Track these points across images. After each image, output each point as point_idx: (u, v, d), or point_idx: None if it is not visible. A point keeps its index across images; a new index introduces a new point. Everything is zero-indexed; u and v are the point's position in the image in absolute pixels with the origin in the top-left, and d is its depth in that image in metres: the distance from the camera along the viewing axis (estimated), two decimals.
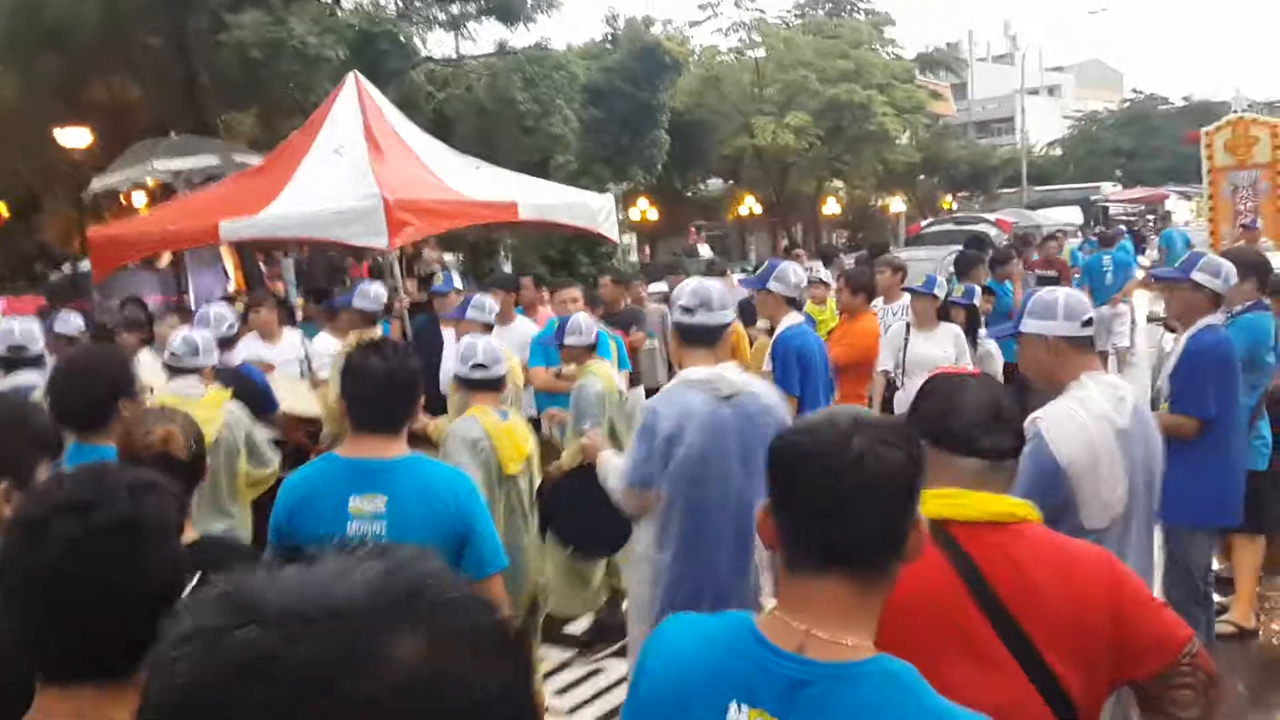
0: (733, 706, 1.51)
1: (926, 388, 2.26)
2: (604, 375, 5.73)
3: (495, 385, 4.72)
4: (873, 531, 1.54)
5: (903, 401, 3.57)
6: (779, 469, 1.61)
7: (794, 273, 5.69)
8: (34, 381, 5.00)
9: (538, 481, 4.76)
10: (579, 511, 4.18)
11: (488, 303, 6.67)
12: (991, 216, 20.50)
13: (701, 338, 3.73)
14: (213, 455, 4.53)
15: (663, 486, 3.57)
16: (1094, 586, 1.99)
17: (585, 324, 5.83)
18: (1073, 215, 28.51)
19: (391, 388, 3.18)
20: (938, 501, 2.00)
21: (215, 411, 4.68)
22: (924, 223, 21.34)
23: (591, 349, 5.80)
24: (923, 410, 2.21)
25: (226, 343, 6.09)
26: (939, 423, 2.13)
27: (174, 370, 5.00)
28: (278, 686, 0.67)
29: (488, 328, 6.47)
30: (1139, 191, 39.99)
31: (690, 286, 3.79)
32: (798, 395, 5.28)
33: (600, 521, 3.98)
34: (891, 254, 11.02)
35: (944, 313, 7.25)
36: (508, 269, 19.76)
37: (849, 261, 12.73)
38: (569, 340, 5.78)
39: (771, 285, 5.60)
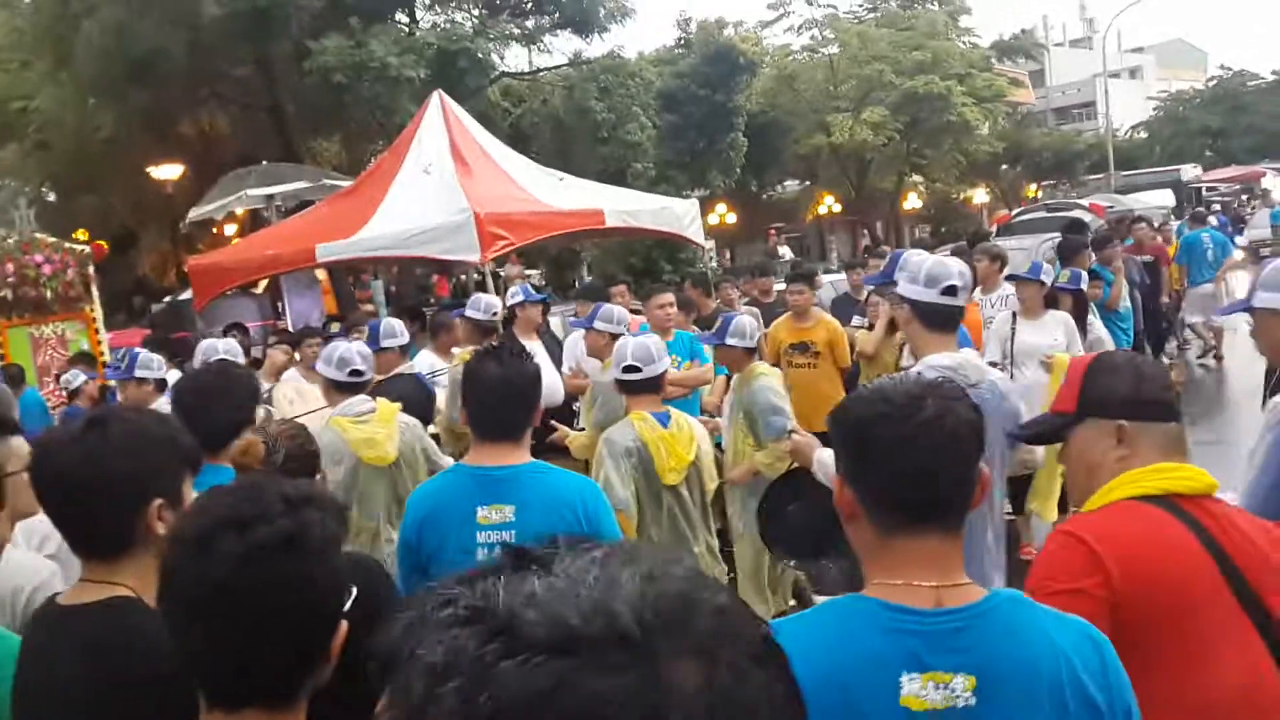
0: (904, 678, 1.53)
1: (1099, 365, 2.17)
2: (774, 374, 5.58)
3: (652, 387, 4.38)
4: (959, 484, 1.64)
5: (1014, 391, 3.45)
6: (858, 438, 1.68)
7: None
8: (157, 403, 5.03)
9: (714, 485, 4.55)
10: (800, 520, 3.86)
11: (616, 313, 6.41)
12: (1084, 202, 19.97)
13: (947, 321, 3.39)
14: (395, 471, 4.49)
15: None
16: None
17: (750, 327, 5.56)
18: (1164, 198, 27.67)
19: (510, 394, 3.13)
20: (1160, 477, 1.98)
21: (391, 426, 4.53)
22: (1014, 212, 20.86)
23: (751, 353, 5.59)
24: (1108, 385, 2.11)
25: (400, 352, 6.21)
26: (1136, 393, 2.07)
27: (341, 387, 4.72)
28: None
29: (614, 339, 6.29)
30: (1232, 170, 38.65)
31: (934, 267, 3.40)
32: None
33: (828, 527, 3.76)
34: (990, 243, 10.76)
35: (1050, 299, 7.03)
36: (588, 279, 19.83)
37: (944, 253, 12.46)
38: (732, 341, 5.54)
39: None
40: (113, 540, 1.90)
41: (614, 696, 0.59)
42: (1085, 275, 7.59)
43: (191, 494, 2.05)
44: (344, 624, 1.48)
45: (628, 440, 4.26)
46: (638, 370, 4.33)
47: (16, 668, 1.88)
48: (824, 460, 3.33)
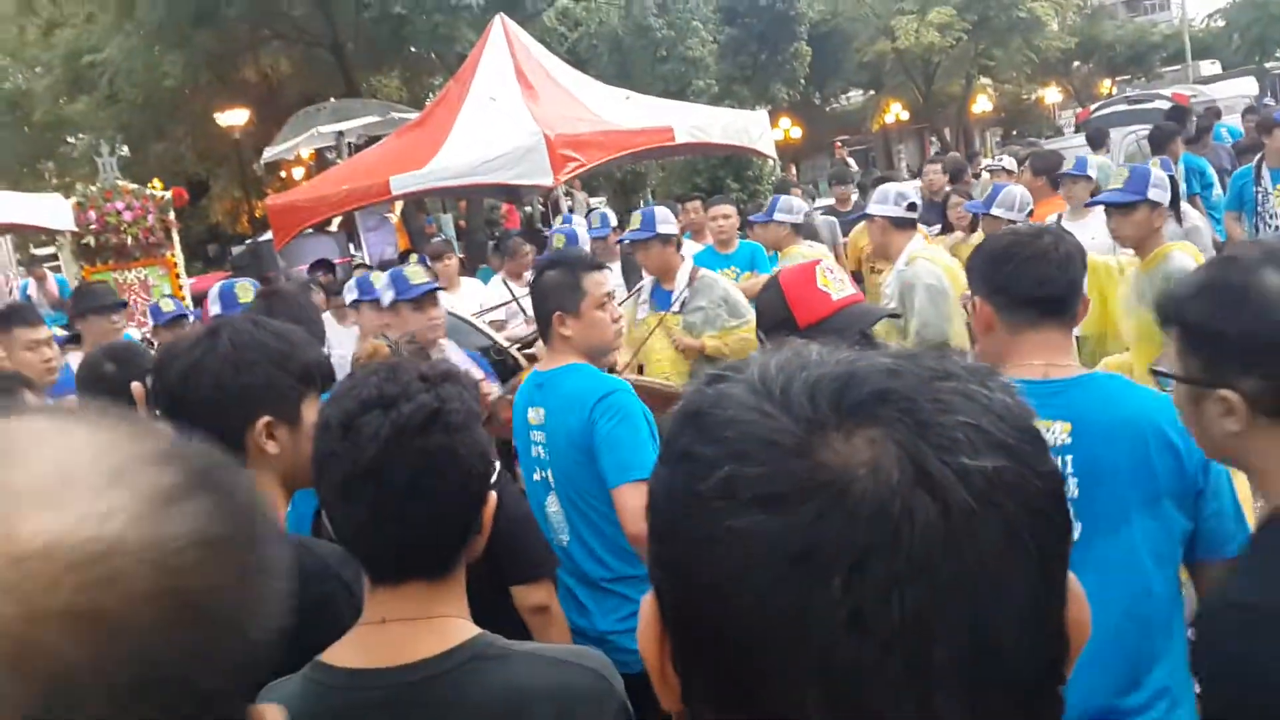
0: None
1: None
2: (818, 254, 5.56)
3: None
4: (1074, 287, 2.19)
5: None
6: (1001, 259, 2.20)
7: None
8: None
9: None
10: None
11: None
12: (1166, 92, 19.23)
13: None
14: None
15: None
16: None
17: (798, 204, 5.75)
18: (1247, 86, 26.51)
19: (539, 300, 3.05)
20: None
21: None
22: (1093, 107, 20.18)
23: (798, 230, 5.83)
24: None
25: None
26: None
27: None
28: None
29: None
30: None
31: (1024, 197, 3.67)
32: None
33: None
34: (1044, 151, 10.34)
35: None
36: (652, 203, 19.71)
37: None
38: (780, 217, 5.83)
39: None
40: None
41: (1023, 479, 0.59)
42: (1173, 164, 7.27)
43: (314, 412, 2.02)
44: (493, 495, 1.52)
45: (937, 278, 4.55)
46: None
47: None
48: None
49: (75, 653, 0.51)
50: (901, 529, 0.54)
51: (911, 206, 5.09)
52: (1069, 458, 2.03)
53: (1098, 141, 10.41)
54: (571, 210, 13.57)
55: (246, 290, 3.95)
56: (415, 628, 1.44)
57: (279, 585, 0.62)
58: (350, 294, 4.98)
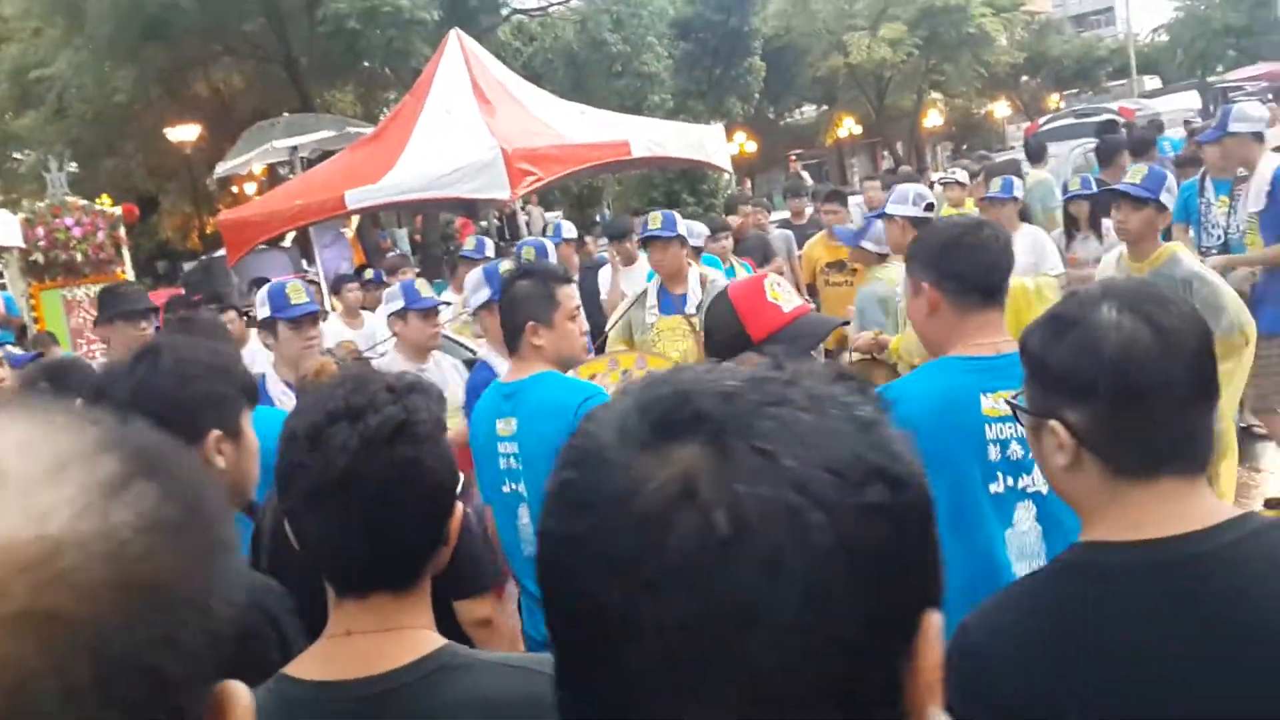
0: (982, 396, 2.28)
1: None
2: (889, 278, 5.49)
3: None
4: (1006, 275, 2.49)
5: None
6: (948, 246, 2.40)
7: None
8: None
9: None
10: None
11: (696, 227, 6.46)
12: (1113, 105, 19.64)
13: None
14: None
15: None
16: None
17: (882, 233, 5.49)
18: (1190, 100, 27.12)
19: (504, 312, 3.12)
20: None
21: None
22: (1041, 121, 20.52)
23: (884, 257, 5.53)
24: None
25: None
26: None
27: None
28: None
29: (697, 252, 6.18)
30: (1261, 68, 37.69)
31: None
32: None
33: None
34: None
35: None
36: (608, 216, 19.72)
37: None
38: (868, 245, 5.58)
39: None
40: None
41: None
42: (1092, 181, 7.26)
43: (250, 427, 2.02)
44: (459, 506, 1.52)
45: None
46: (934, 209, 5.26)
47: None
48: None
49: (35, 658, 0.49)
50: (667, 542, 0.57)
51: (929, 207, 5.26)
52: None
53: (1037, 155, 10.56)
54: (528, 226, 13.57)
55: (298, 290, 3.90)
56: (381, 639, 1.43)
57: (234, 560, 0.60)
58: (395, 302, 4.74)
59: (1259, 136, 5.60)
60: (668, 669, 0.58)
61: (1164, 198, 4.20)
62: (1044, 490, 2.20)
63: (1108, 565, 1.33)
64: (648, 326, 5.13)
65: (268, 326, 3.96)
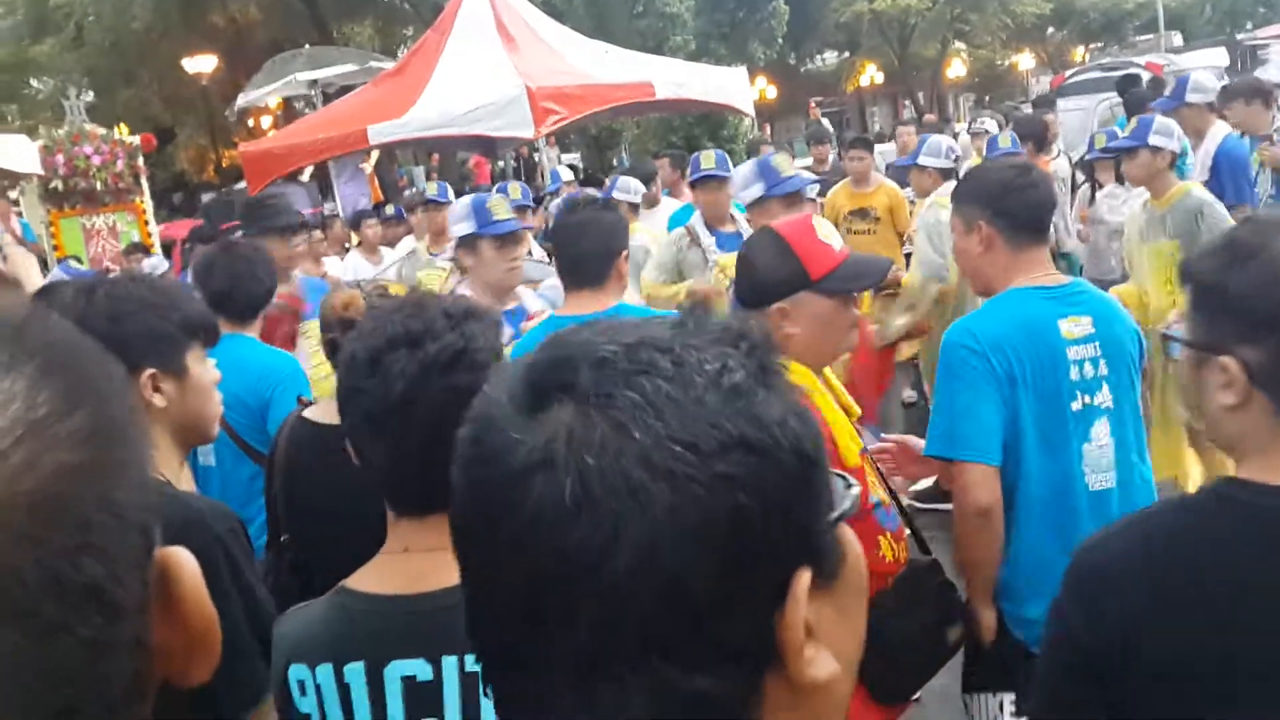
0: (1059, 320, 2.51)
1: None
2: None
3: None
4: (1053, 213, 2.83)
5: None
6: (1004, 188, 2.59)
7: None
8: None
9: None
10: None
11: (633, 184, 6.41)
12: (1140, 60, 19.33)
13: None
14: None
15: None
16: None
17: (947, 146, 5.97)
18: (1217, 57, 26.69)
19: (585, 238, 3.09)
20: None
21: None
22: (1067, 73, 20.22)
23: (947, 175, 5.96)
24: None
25: None
26: None
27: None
28: None
29: (633, 209, 6.21)
30: None
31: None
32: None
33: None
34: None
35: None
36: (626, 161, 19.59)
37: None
38: (926, 161, 5.87)
39: None
40: None
41: None
42: (1118, 133, 7.10)
43: (203, 364, 2.02)
44: None
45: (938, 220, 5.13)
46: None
47: None
48: None
49: None
50: (525, 504, 0.61)
51: (958, 159, 5.92)
52: (1097, 343, 2.51)
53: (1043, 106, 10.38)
54: (542, 169, 13.49)
55: (502, 205, 3.78)
56: (436, 558, 1.45)
57: (145, 454, 0.54)
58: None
59: (1211, 107, 6.02)
60: (526, 619, 0.63)
61: (1152, 139, 4.63)
62: (1112, 406, 2.52)
63: (1259, 506, 1.28)
64: (709, 264, 4.92)
65: (468, 244, 3.69)
